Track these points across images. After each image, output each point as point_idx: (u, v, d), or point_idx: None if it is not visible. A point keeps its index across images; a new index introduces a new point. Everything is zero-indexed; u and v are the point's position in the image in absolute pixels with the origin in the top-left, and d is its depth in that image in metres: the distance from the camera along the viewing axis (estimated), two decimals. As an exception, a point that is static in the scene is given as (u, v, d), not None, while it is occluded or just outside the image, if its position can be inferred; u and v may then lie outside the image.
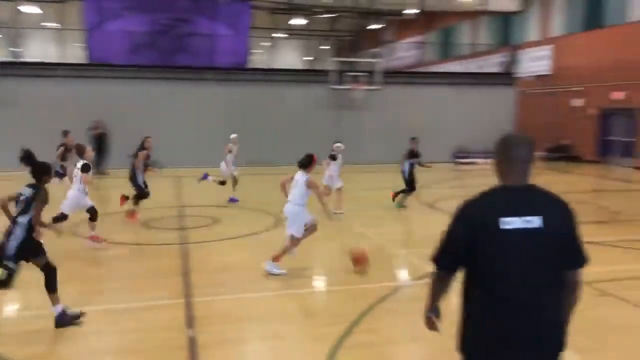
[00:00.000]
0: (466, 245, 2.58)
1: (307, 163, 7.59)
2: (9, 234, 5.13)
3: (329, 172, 11.61)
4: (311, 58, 42.10)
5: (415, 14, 29.96)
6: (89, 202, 8.39)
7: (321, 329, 5.41)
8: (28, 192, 5.28)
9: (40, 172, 5.40)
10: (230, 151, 13.11)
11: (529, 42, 27.03)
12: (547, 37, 26.29)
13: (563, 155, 23.18)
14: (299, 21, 36.03)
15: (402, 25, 35.21)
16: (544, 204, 2.56)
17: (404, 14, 30.97)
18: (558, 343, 2.58)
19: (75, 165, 8.46)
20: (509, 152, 2.63)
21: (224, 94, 21.47)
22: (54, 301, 5.27)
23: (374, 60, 24.24)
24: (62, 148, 11.59)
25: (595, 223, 10.59)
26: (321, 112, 22.50)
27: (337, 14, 28.01)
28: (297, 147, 22.71)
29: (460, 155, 23.30)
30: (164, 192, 14.43)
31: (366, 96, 22.42)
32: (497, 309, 2.54)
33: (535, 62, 26.92)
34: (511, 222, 2.47)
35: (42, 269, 5.23)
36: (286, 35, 38.23)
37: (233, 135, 13.55)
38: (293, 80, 22.46)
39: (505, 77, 24.88)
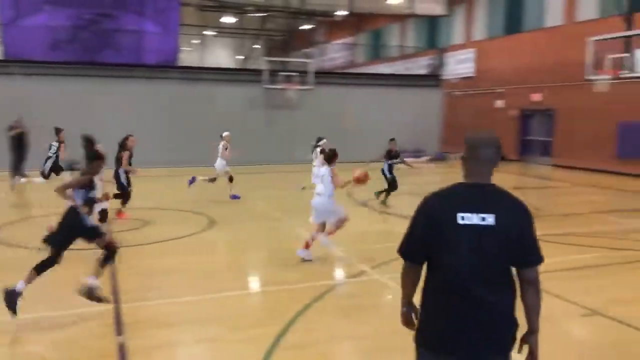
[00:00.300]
0: (425, 237, 2.67)
1: (331, 157, 8.23)
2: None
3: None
4: (243, 57, 41.78)
5: (345, 15, 30.34)
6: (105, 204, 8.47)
7: (256, 330, 5.37)
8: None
9: (93, 158, 6.05)
10: (226, 149, 13.18)
11: (455, 45, 28.05)
12: (471, 40, 27.39)
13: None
14: (229, 19, 35.61)
15: (333, 26, 35.58)
16: (499, 203, 2.63)
17: (334, 15, 31.30)
18: (506, 338, 2.67)
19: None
20: (473, 151, 2.70)
21: (153, 92, 20.89)
22: (96, 272, 5.73)
23: (306, 60, 24.37)
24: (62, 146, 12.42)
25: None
26: (254, 112, 22.37)
27: (267, 13, 27.88)
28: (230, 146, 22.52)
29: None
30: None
31: (299, 96, 22.49)
32: (448, 301, 2.63)
33: (460, 64, 27.99)
34: (467, 218, 2.56)
35: (105, 248, 5.76)
36: (215, 33, 37.70)
37: (226, 133, 13.44)
38: (224, 79, 22.19)
39: (432, 79, 25.69)
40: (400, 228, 8.46)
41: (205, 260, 7.93)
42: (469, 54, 27.52)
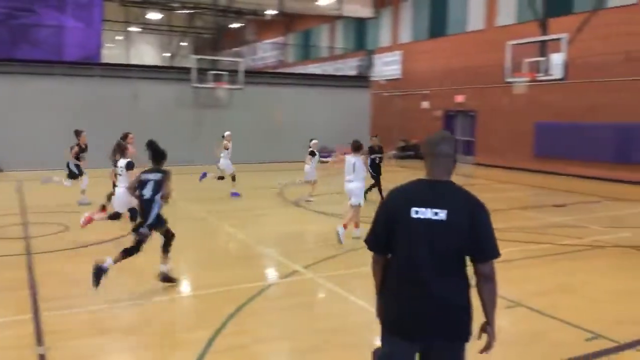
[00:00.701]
0: (385, 228, 2.86)
1: (358, 147, 9.30)
2: (144, 210, 6.57)
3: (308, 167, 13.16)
4: (170, 54, 40.69)
5: (276, 15, 30.26)
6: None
7: (187, 335, 5.25)
8: (157, 176, 6.63)
9: (160, 157, 6.94)
10: (226, 148, 13.77)
11: (382, 48, 28.65)
12: (398, 43, 28.07)
13: (413, 153, 24.84)
14: (155, 15, 34.65)
15: (263, 25, 35.40)
16: (452, 199, 2.77)
17: (264, 14, 31.14)
18: (456, 328, 2.80)
19: (118, 164, 9.13)
20: (430, 149, 2.87)
21: (74, 90, 19.95)
22: (164, 261, 6.69)
23: (235, 59, 24.11)
24: (76, 147, 12.51)
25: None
26: (182, 111, 21.86)
27: (195, 11, 27.34)
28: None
29: (322, 154, 23.97)
30: (4, 197, 13.09)
31: (229, 96, 22.20)
32: (402, 289, 2.83)
33: (387, 66, 28.65)
34: (421, 212, 2.73)
35: (164, 235, 6.73)
36: (140, 30, 36.59)
37: (227, 133, 13.99)
38: (150, 77, 21.52)
39: (361, 80, 26.11)
40: (332, 227, 8.50)
41: (132, 265, 7.65)
42: (395, 56, 28.19)
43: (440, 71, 25.36)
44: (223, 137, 13.94)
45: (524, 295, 6.36)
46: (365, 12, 28.52)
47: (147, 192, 6.57)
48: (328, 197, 13.96)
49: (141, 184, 6.63)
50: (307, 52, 30.78)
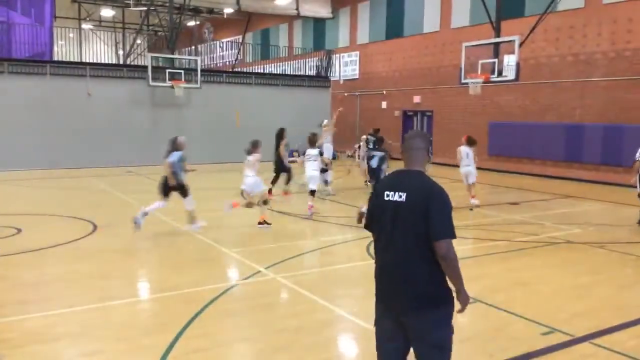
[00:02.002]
0: (371, 211, 3.37)
1: (382, 141, 12.60)
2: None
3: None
4: (125, 52, 39.69)
5: (234, 13, 30.01)
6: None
7: (148, 339, 5.14)
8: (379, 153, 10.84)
9: (381, 141, 10.73)
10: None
11: (340, 48, 28.79)
12: (355, 44, 28.27)
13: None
14: (109, 12, 33.82)
15: (221, 24, 35.04)
16: (412, 184, 3.19)
17: (221, 12, 30.83)
18: (422, 298, 3.12)
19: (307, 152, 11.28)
20: (405, 144, 3.37)
21: (24, 88, 19.27)
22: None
23: (193, 57, 23.80)
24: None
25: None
26: (138, 110, 21.41)
27: (149, 8, 26.80)
28: (111, 146, 21.49)
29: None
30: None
31: (186, 94, 21.88)
32: (379, 262, 3.32)
33: (346, 66, 28.83)
34: (390, 195, 3.21)
35: None
36: (92, 27, 35.61)
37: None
38: (105, 75, 20.99)
39: (320, 80, 26.16)
40: (294, 227, 8.53)
41: (89, 268, 7.47)
42: (353, 56, 28.40)
43: (398, 71, 25.70)
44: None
45: (481, 292, 6.51)
46: (323, 12, 28.60)
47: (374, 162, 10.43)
48: (289, 197, 13.94)
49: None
50: (265, 52, 30.65)
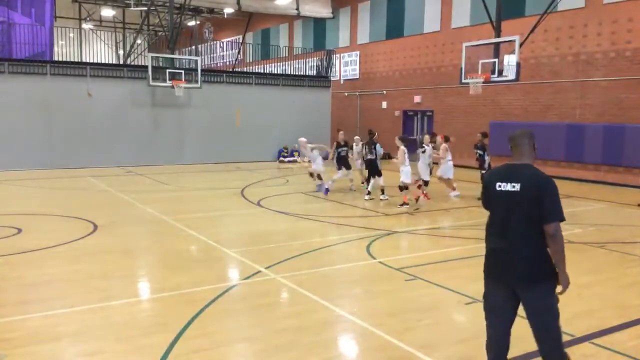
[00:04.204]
0: (484, 198, 3.96)
1: (406, 140, 12.89)
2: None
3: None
4: (125, 52, 39.67)
5: (234, 13, 30.00)
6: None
7: (148, 339, 5.13)
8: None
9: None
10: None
11: (341, 48, 28.78)
12: (356, 44, 28.26)
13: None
14: (109, 12, 33.83)
15: (221, 24, 35.03)
16: (525, 175, 3.69)
17: (222, 12, 30.82)
18: (530, 274, 3.67)
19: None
20: (513, 141, 3.86)
21: (24, 88, 19.28)
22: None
23: (193, 57, 23.80)
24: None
25: (402, 214, 11.67)
26: (138, 110, 21.42)
27: (149, 7, 26.79)
28: (111, 146, 21.51)
29: (284, 155, 24.03)
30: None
31: (186, 94, 21.89)
32: (491, 243, 3.85)
33: (346, 66, 28.83)
34: (502, 186, 3.74)
35: None
36: (92, 27, 35.61)
37: (302, 139, 14.75)
38: (105, 75, 21.01)
39: (321, 80, 26.16)
40: (294, 226, 8.54)
41: (89, 268, 7.47)
42: (354, 56, 28.39)
43: (398, 71, 25.69)
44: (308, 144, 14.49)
45: (481, 292, 6.49)
46: (323, 12, 28.58)
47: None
48: (290, 197, 13.95)
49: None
50: (266, 52, 30.66)
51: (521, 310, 3.81)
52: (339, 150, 14.54)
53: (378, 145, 13.60)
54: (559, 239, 3.60)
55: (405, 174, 12.53)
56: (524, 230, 3.65)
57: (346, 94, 28.80)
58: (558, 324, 3.78)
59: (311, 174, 14.87)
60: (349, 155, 14.94)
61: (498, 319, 3.86)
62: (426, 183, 13.59)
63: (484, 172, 14.05)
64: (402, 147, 12.50)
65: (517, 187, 3.67)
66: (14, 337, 5.11)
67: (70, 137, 19.87)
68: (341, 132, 15.12)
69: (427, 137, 14.03)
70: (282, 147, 24.09)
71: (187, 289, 6.59)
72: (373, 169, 13.42)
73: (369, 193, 13.37)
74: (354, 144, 15.61)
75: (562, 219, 3.60)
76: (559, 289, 3.72)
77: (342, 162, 14.50)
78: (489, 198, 3.87)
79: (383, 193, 13.13)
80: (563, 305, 5.89)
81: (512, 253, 3.70)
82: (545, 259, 3.68)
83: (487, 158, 13.98)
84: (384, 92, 26.52)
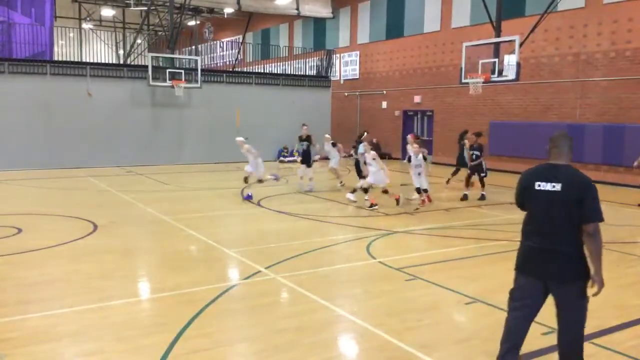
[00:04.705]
0: (520, 197, 4.07)
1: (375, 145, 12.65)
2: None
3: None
4: (125, 52, 39.66)
5: (234, 13, 29.98)
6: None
7: (147, 339, 5.13)
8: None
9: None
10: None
11: (341, 48, 28.79)
12: (356, 44, 28.26)
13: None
14: (109, 12, 33.81)
15: (221, 24, 35.02)
16: (565, 176, 3.81)
17: (222, 12, 30.79)
18: (566, 272, 3.80)
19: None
20: (553, 143, 3.97)
21: (24, 88, 19.29)
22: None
23: (193, 57, 23.80)
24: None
25: (402, 214, 11.67)
26: (138, 110, 21.42)
27: (149, 7, 26.79)
28: (111, 146, 21.50)
29: (284, 156, 24.03)
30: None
31: (186, 94, 21.89)
32: (528, 241, 3.95)
33: (346, 66, 28.82)
34: (542, 185, 3.86)
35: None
36: (92, 26, 35.63)
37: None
38: (105, 75, 21.01)
39: (321, 80, 26.16)
40: (294, 226, 8.53)
41: (89, 268, 7.47)
42: (354, 56, 28.38)
43: (398, 71, 25.69)
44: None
45: (482, 291, 6.51)
46: (323, 12, 28.57)
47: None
48: (290, 197, 13.95)
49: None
50: (266, 52, 30.66)
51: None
52: (302, 144, 14.66)
53: (361, 146, 13.42)
54: (598, 238, 3.72)
55: (372, 175, 12.15)
56: (562, 229, 3.78)
57: (346, 94, 28.80)
58: (584, 324, 3.93)
59: (334, 171, 15.21)
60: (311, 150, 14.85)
61: (523, 313, 3.97)
62: (420, 190, 12.85)
63: (483, 175, 13.97)
64: (372, 152, 12.19)
65: (558, 187, 3.79)
66: (14, 337, 5.11)
67: (70, 137, 19.86)
68: (305, 127, 15.12)
69: (415, 146, 13.02)
70: (282, 147, 24.11)
71: (187, 289, 6.59)
72: (357, 170, 13.65)
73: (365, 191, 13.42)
74: (324, 142, 15.47)
75: (602, 220, 3.71)
76: (594, 289, 3.81)
77: (305, 157, 14.53)
78: (528, 197, 3.96)
79: (353, 192, 12.76)
80: (563, 305, 5.84)
81: (549, 251, 3.82)
82: (581, 258, 3.80)
83: (482, 160, 13.88)
84: (384, 92, 26.52)
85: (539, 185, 3.86)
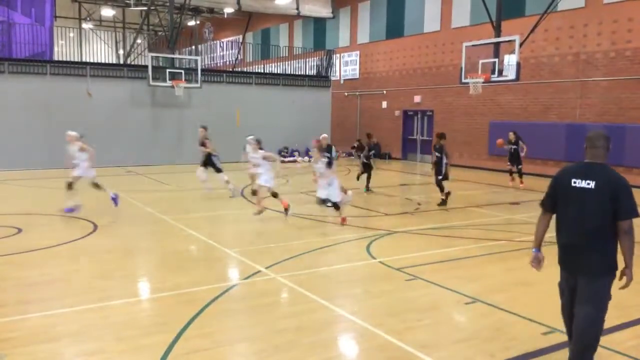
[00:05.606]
0: (553, 194, 4.21)
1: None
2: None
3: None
4: (125, 52, 39.67)
5: (234, 13, 29.97)
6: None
7: (147, 339, 5.13)
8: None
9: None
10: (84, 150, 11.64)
11: (341, 48, 28.78)
12: (356, 43, 28.25)
13: (373, 152, 25.02)
14: (109, 12, 33.80)
15: (221, 24, 35.01)
16: (600, 174, 3.95)
17: (222, 12, 30.79)
18: (595, 266, 3.97)
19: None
20: (590, 142, 4.09)
21: (24, 88, 19.27)
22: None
23: (193, 57, 23.79)
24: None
25: (402, 214, 11.67)
26: (138, 110, 21.41)
27: (149, 7, 26.79)
28: (111, 146, 21.49)
29: (284, 153, 24.02)
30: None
31: (186, 94, 21.88)
32: (564, 237, 4.13)
33: (346, 66, 28.82)
34: (577, 182, 4.00)
35: None
36: (92, 26, 35.66)
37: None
38: (105, 75, 21.00)
39: (321, 80, 26.15)
40: (294, 226, 8.53)
41: (89, 268, 7.48)
42: (354, 56, 28.38)
43: (398, 71, 25.68)
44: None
45: (482, 291, 6.51)
46: (323, 12, 28.55)
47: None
48: (290, 197, 13.93)
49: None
50: (266, 51, 30.67)
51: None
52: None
53: (247, 145, 12.35)
54: (632, 233, 3.88)
55: (261, 176, 11.24)
56: (595, 225, 3.93)
57: (346, 93, 28.79)
58: (602, 320, 4.04)
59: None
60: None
61: (567, 302, 4.23)
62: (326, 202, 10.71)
63: (440, 177, 12.76)
64: (261, 151, 11.43)
65: (592, 184, 3.93)
66: (14, 337, 5.11)
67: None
68: (200, 130, 14.30)
69: (315, 151, 11.32)
70: (282, 147, 24.10)
71: (187, 289, 6.59)
72: (365, 169, 14.08)
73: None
74: (247, 144, 12.71)
75: (637, 215, 3.86)
76: (623, 281, 3.97)
77: (208, 162, 13.68)
78: (563, 193, 4.09)
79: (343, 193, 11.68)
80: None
81: (581, 246, 3.99)
82: (612, 254, 3.97)
83: (445, 161, 12.63)
84: (384, 92, 26.51)
85: (574, 182, 4.01)
